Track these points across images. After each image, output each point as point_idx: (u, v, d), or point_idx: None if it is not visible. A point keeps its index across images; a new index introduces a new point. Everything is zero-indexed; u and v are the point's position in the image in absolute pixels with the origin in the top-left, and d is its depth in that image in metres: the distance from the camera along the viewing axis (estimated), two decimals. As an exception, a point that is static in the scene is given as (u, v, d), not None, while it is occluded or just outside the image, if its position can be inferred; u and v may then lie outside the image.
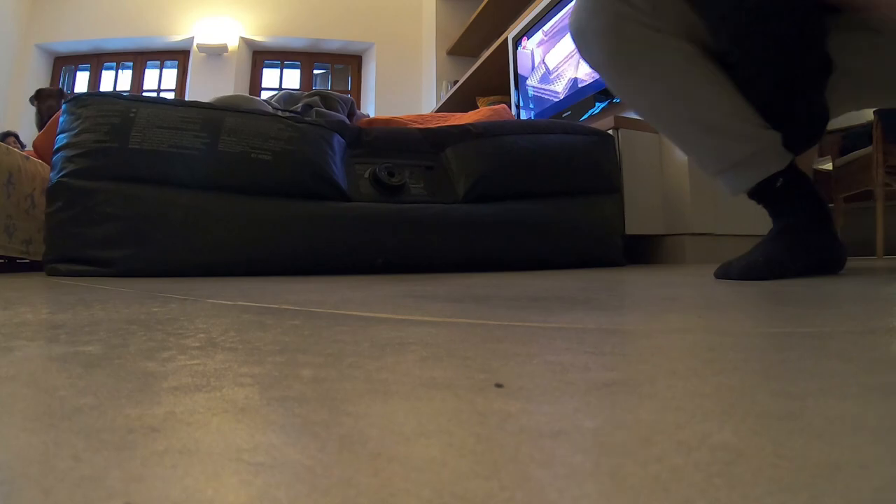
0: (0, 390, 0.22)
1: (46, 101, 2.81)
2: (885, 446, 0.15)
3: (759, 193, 0.95)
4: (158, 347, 0.31)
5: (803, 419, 0.17)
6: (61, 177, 1.20)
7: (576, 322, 0.41)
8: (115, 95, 1.28)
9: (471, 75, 3.65)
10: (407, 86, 4.68)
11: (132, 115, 1.22)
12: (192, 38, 4.74)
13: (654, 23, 0.90)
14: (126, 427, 0.17)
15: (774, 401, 0.19)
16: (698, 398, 0.20)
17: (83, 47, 4.77)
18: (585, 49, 0.95)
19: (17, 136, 3.12)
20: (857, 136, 2.49)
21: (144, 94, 4.09)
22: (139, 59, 4.75)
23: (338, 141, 1.38)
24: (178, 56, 4.80)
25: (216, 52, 4.68)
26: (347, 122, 1.58)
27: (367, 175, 1.38)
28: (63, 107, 1.30)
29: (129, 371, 0.25)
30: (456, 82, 3.98)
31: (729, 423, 0.17)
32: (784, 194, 0.94)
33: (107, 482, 0.13)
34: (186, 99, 3.21)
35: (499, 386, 0.21)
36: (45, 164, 1.64)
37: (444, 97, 4.08)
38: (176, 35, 4.77)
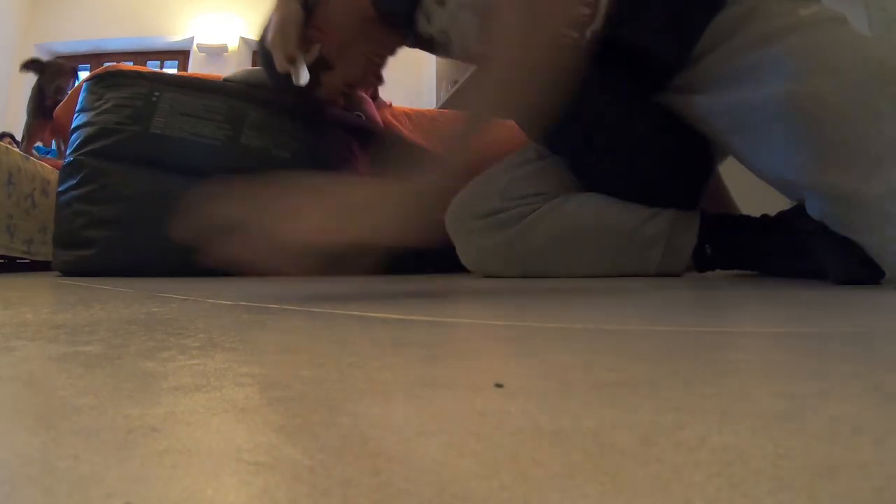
0: (0, 390, 0.22)
1: (55, 81, 2.35)
2: (885, 446, 0.15)
3: (706, 264, 0.93)
4: (158, 347, 0.31)
5: (803, 419, 0.17)
6: (78, 154, 1.20)
7: (576, 322, 0.41)
8: (138, 75, 1.25)
9: (471, 75, 3.65)
10: (407, 86, 4.68)
11: (154, 99, 1.21)
12: (192, 38, 4.74)
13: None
14: (126, 427, 0.17)
15: (774, 401, 0.19)
16: (698, 398, 0.20)
17: (83, 47, 4.77)
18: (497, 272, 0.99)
19: (12, 137, 3.05)
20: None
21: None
22: (139, 59, 4.75)
23: (357, 146, 1.37)
24: (178, 56, 4.80)
25: (216, 52, 4.68)
26: (372, 104, 1.56)
27: None
28: (85, 85, 1.28)
29: (130, 371, 0.25)
30: (456, 82, 3.97)
31: (729, 423, 0.17)
32: (730, 252, 0.91)
33: (107, 482, 0.13)
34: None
35: (499, 386, 0.21)
36: (44, 164, 1.64)
37: (444, 97, 4.08)
38: (176, 35, 4.77)
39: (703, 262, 0.92)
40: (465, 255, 0.97)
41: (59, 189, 1.22)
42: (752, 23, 0.74)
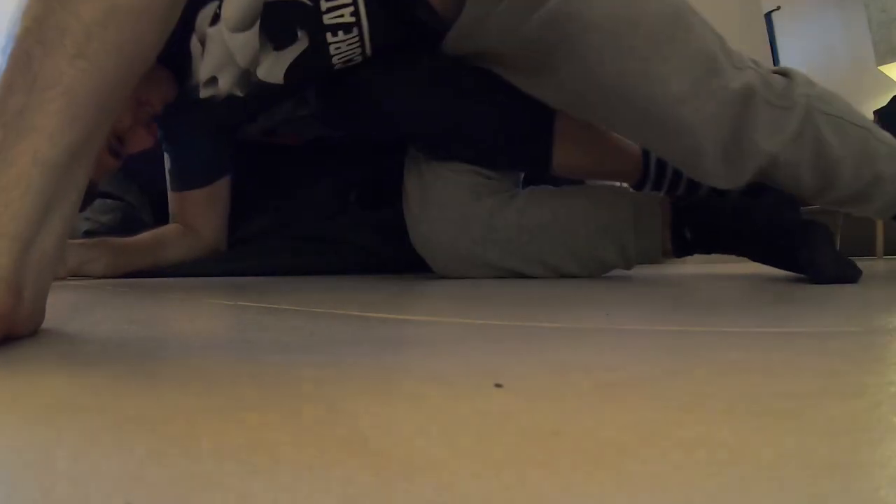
0: (0, 389, 0.22)
1: None
2: (886, 446, 0.15)
3: (686, 249, 0.91)
4: (158, 347, 0.31)
5: (803, 419, 0.17)
6: None
7: (575, 321, 0.41)
8: None
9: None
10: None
11: None
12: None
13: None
14: (126, 426, 0.17)
15: (774, 401, 0.19)
16: (698, 398, 0.20)
17: (83, 47, 4.76)
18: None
19: None
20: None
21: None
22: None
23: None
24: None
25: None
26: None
27: None
28: None
29: (129, 370, 0.25)
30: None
31: (729, 423, 0.17)
32: (709, 236, 0.89)
33: (106, 481, 0.13)
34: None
35: (498, 386, 0.21)
36: None
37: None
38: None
39: (682, 247, 0.92)
40: (439, 272, 0.95)
41: None
42: None
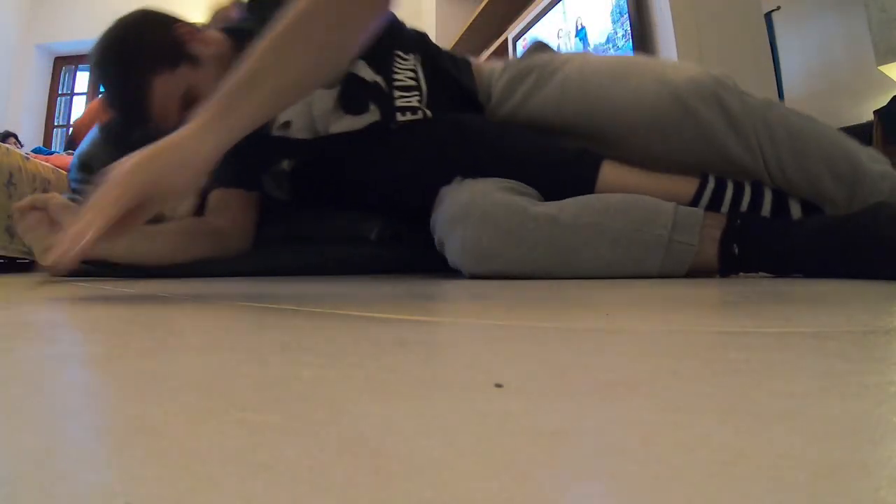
0: (0, 390, 0.22)
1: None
2: (885, 446, 0.15)
3: (732, 266, 0.88)
4: (159, 347, 0.31)
5: (803, 419, 0.17)
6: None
7: (575, 321, 0.41)
8: None
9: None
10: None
11: None
12: (193, 39, 4.73)
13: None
14: (126, 427, 0.17)
15: (774, 401, 0.19)
16: (698, 398, 0.20)
17: (83, 47, 4.76)
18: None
19: (16, 137, 3.05)
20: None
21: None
22: (139, 59, 4.74)
23: None
24: (179, 56, 4.79)
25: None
26: None
27: None
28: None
29: (130, 371, 0.25)
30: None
31: (729, 423, 0.17)
32: (760, 252, 0.86)
33: (107, 482, 0.13)
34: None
35: (499, 386, 0.21)
36: (45, 164, 1.64)
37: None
38: (176, 35, 4.76)
39: (729, 264, 0.87)
40: (456, 256, 0.94)
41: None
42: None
